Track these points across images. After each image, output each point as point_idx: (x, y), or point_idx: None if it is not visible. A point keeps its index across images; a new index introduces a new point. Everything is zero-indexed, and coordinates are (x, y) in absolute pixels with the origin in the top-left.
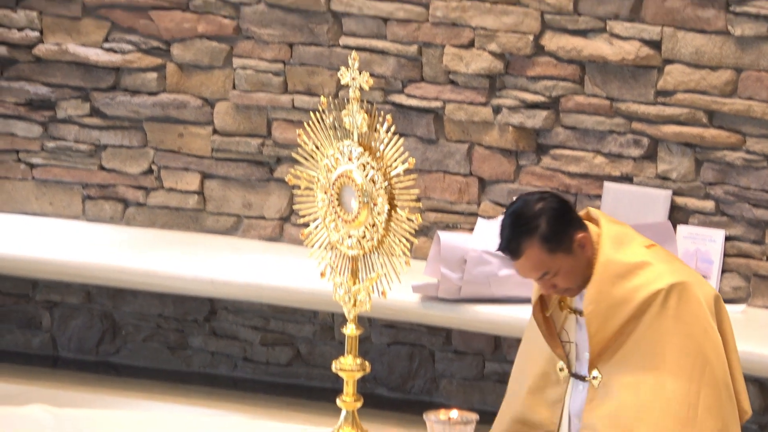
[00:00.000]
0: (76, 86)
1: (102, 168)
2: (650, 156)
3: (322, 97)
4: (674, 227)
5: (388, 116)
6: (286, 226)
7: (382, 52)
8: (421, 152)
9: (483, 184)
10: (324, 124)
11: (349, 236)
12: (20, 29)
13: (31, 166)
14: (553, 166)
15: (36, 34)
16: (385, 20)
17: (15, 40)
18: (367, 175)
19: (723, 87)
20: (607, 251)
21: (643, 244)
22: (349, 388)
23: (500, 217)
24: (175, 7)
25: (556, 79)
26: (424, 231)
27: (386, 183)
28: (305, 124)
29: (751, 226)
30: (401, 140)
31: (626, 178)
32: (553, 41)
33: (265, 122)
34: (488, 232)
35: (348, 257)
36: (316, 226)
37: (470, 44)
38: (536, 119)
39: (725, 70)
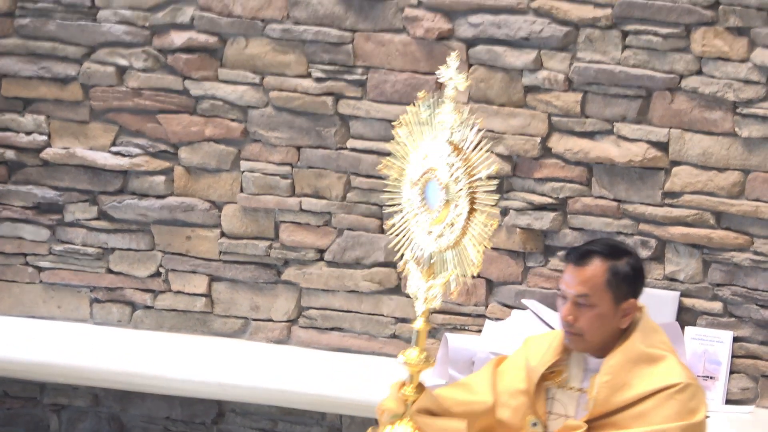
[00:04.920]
0: (84, 190)
1: (110, 271)
2: (658, 257)
3: (422, 92)
4: (682, 328)
5: (479, 119)
6: (293, 328)
7: (390, 155)
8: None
9: (491, 285)
10: (418, 119)
11: (429, 232)
12: (28, 133)
13: (39, 269)
14: (561, 268)
15: (44, 138)
16: (393, 123)
17: (23, 144)
18: (452, 175)
19: (730, 188)
20: (638, 338)
21: (665, 341)
22: (412, 381)
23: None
24: (183, 111)
25: (563, 181)
26: (432, 333)
27: (469, 185)
28: (401, 116)
29: (759, 327)
30: (488, 145)
31: None
32: (560, 143)
33: (273, 225)
34: (496, 333)
35: (425, 252)
36: (401, 218)
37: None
38: (544, 221)
39: (732, 172)
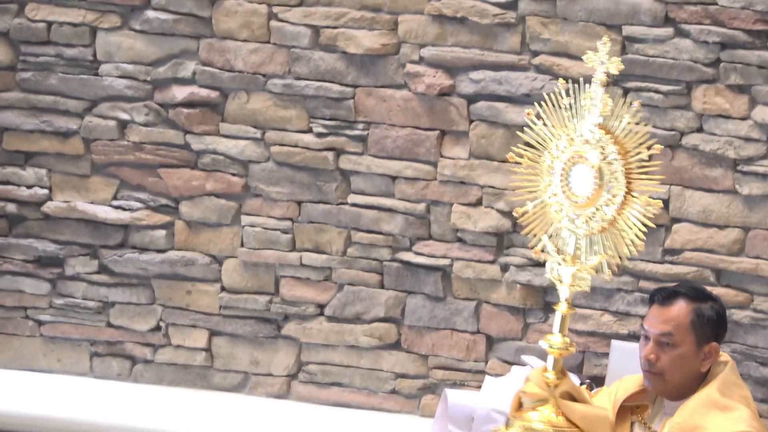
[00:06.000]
0: (85, 243)
1: (110, 325)
2: None
3: (560, 79)
4: None
5: (637, 101)
6: (293, 383)
7: (390, 210)
8: (428, 310)
9: (491, 341)
10: (558, 105)
11: (575, 217)
12: (29, 187)
13: (39, 323)
14: None
15: (45, 191)
16: (393, 178)
17: (24, 198)
18: (605, 158)
19: (730, 246)
20: (716, 386)
21: (747, 396)
22: (555, 366)
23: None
24: (184, 165)
25: None
26: (432, 388)
27: (625, 166)
28: (538, 104)
29: (759, 385)
30: (648, 126)
31: (634, 337)
32: None
33: (273, 279)
34: (496, 389)
35: (569, 237)
36: (535, 206)
37: (478, 202)
38: (543, 277)
39: (733, 229)
